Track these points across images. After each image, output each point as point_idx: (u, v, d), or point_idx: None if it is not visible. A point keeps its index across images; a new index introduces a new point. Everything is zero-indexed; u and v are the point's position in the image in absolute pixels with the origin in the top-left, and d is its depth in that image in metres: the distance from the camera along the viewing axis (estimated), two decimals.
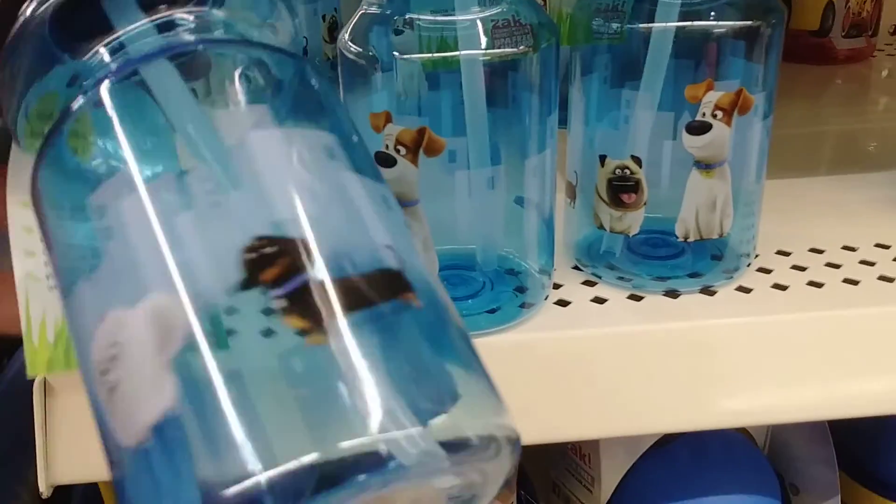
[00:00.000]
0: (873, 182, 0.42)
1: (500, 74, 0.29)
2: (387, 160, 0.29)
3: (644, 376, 0.32)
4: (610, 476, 0.40)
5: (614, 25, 0.31)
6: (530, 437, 0.32)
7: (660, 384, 0.32)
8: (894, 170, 0.41)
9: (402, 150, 0.29)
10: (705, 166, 0.32)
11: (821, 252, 0.36)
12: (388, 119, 0.29)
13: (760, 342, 0.32)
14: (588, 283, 0.35)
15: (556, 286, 0.35)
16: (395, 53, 0.29)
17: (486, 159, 0.30)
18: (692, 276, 0.34)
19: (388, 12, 0.29)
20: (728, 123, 0.31)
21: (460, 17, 0.28)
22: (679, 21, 0.30)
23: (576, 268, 0.36)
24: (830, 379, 0.33)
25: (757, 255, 0.36)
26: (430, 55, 0.29)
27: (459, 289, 0.33)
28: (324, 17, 0.58)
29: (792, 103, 0.54)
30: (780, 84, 0.58)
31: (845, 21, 0.58)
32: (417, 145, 0.29)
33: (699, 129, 0.31)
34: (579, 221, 0.35)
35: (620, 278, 0.34)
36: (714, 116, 0.31)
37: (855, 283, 0.34)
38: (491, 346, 0.31)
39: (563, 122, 0.34)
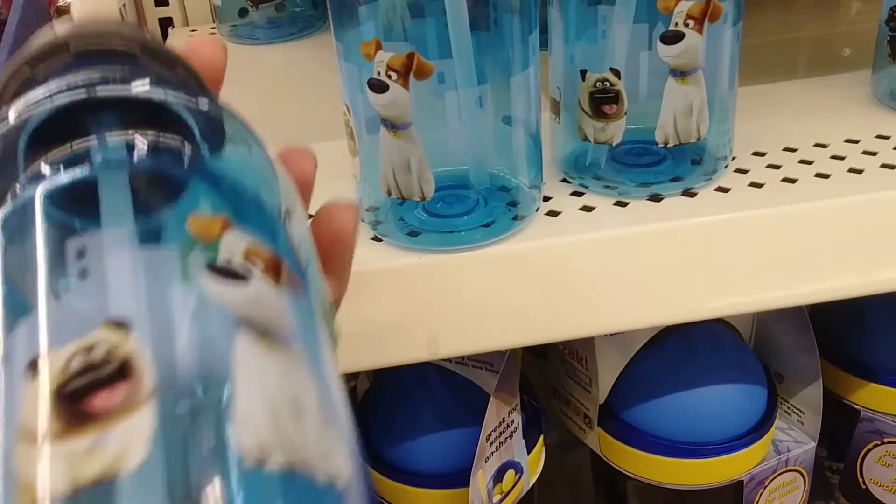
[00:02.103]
0: (844, 82, 0.44)
1: None
2: (379, 86, 0.31)
3: (632, 276, 0.34)
4: (606, 376, 0.43)
5: None
6: (530, 338, 0.35)
7: (647, 282, 0.35)
8: (864, 70, 0.43)
9: (393, 76, 0.31)
10: (680, 73, 0.33)
11: (794, 150, 0.38)
12: (378, 46, 0.30)
13: (739, 237, 0.34)
14: (576, 193, 0.37)
15: (546, 198, 0.37)
16: None
17: (473, 80, 0.32)
18: (674, 180, 0.36)
19: None
20: (700, 31, 0.33)
21: None
22: None
23: (564, 180, 0.38)
24: (807, 267, 0.35)
25: (734, 158, 0.38)
26: None
27: (455, 206, 0.35)
28: None
29: (764, 11, 0.55)
30: None
31: None
32: (407, 69, 0.31)
33: (673, 38, 0.32)
34: (565, 136, 0.37)
35: (606, 187, 0.36)
36: (686, 25, 0.32)
37: (826, 176, 0.36)
38: (487, 257, 0.34)
39: (545, 44, 0.35)
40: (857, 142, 0.38)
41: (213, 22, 0.62)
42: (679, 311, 0.35)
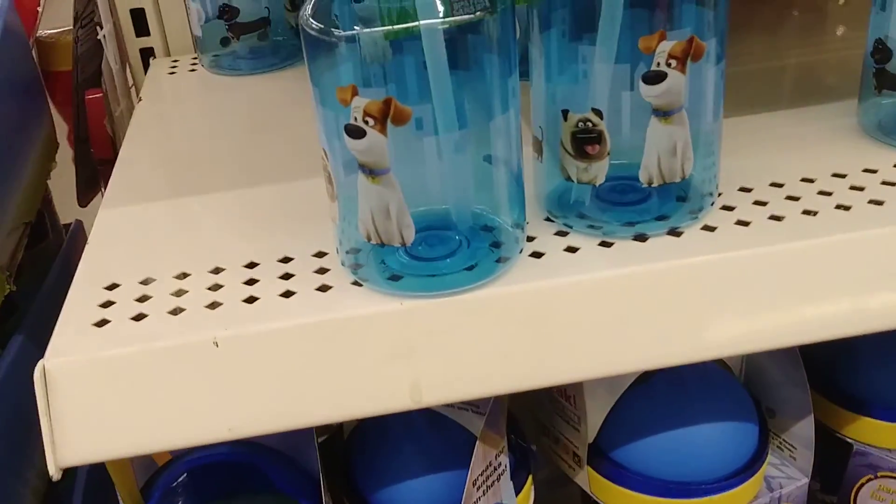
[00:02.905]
0: (830, 112, 0.43)
1: (459, 39, 0.30)
2: (356, 132, 0.30)
3: (619, 319, 0.34)
4: (595, 415, 0.42)
5: None
6: (515, 384, 0.34)
7: (634, 325, 0.34)
8: (850, 99, 0.43)
9: (371, 122, 0.30)
10: (663, 114, 0.33)
11: (781, 186, 0.38)
12: (355, 92, 0.30)
13: (726, 277, 0.34)
14: (560, 233, 0.36)
15: (530, 238, 0.36)
16: (357, 28, 0.30)
17: (454, 124, 0.31)
18: (659, 218, 0.35)
19: (345, 8, 0.30)
20: (682, 71, 0.32)
21: None
22: None
23: (548, 219, 0.37)
24: (795, 306, 0.34)
25: (720, 194, 0.37)
26: (390, 27, 0.30)
27: (437, 248, 0.34)
28: None
29: (750, 37, 0.55)
30: (738, 17, 0.59)
31: None
32: (385, 115, 0.30)
33: (655, 78, 0.32)
34: (548, 174, 0.36)
35: (591, 226, 0.36)
36: (668, 65, 0.32)
37: (813, 213, 0.36)
38: (471, 302, 0.33)
39: (526, 74, 0.35)
40: (843, 176, 0.38)
41: (195, 52, 0.61)
42: (667, 354, 0.34)
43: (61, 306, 0.35)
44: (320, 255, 0.37)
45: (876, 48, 0.38)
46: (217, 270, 0.37)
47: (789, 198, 0.37)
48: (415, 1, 0.29)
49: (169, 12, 0.63)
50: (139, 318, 0.34)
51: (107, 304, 0.35)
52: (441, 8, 0.29)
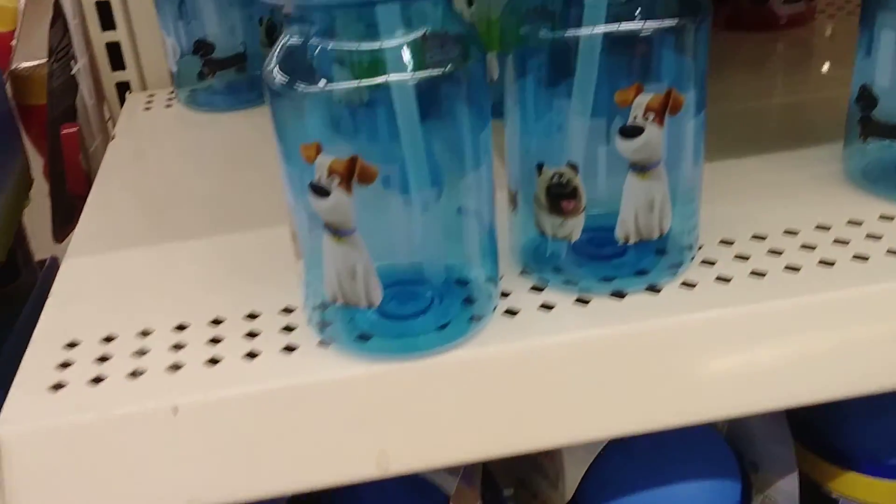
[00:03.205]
0: (815, 157, 0.42)
1: (429, 95, 0.29)
2: (320, 191, 0.29)
3: (597, 381, 0.32)
4: (573, 471, 0.40)
5: (543, 30, 0.31)
6: (490, 452, 0.33)
7: (612, 388, 0.33)
8: (836, 142, 0.42)
9: (335, 180, 0.29)
10: (640, 168, 0.32)
11: (763, 238, 0.37)
12: (319, 150, 0.29)
13: (707, 338, 0.33)
14: (536, 288, 0.35)
15: (505, 294, 0.35)
16: (322, 84, 0.29)
17: (426, 182, 0.30)
18: (638, 273, 0.34)
19: (311, 42, 0.29)
20: (660, 124, 0.31)
21: (387, 44, 0.28)
22: (606, 23, 0.30)
23: (523, 272, 0.36)
24: (777, 369, 0.33)
25: (701, 246, 0.36)
26: (356, 83, 0.28)
27: (408, 305, 0.33)
28: (261, 21, 0.57)
29: (735, 75, 0.54)
30: (722, 54, 0.59)
31: None
32: (350, 174, 0.29)
33: (631, 132, 0.31)
34: (523, 227, 0.35)
35: (567, 282, 0.34)
36: (646, 119, 0.31)
37: (796, 269, 0.34)
38: (443, 365, 0.32)
39: (501, 114, 0.33)
40: (828, 228, 0.37)
41: (171, 85, 0.60)
42: (647, 419, 0.33)
43: None
44: (287, 310, 0.35)
45: (861, 94, 0.38)
46: (181, 327, 0.35)
47: (772, 252, 0.36)
48: (385, 57, 0.28)
49: (145, 46, 0.62)
50: (97, 381, 0.33)
51: (65, 365, 0.34)
52: (411, 63, 0.28)
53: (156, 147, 0.55)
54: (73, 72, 0.61)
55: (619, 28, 0.30)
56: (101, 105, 0.64)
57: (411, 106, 0.28)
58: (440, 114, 0.29)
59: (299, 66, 0.29)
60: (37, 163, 0.78)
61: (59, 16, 0.62)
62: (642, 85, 0.30)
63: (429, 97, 0.29)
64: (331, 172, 0.29)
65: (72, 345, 0.35)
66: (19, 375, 0.34)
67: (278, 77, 0.29)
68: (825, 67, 0.56)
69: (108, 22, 0.61)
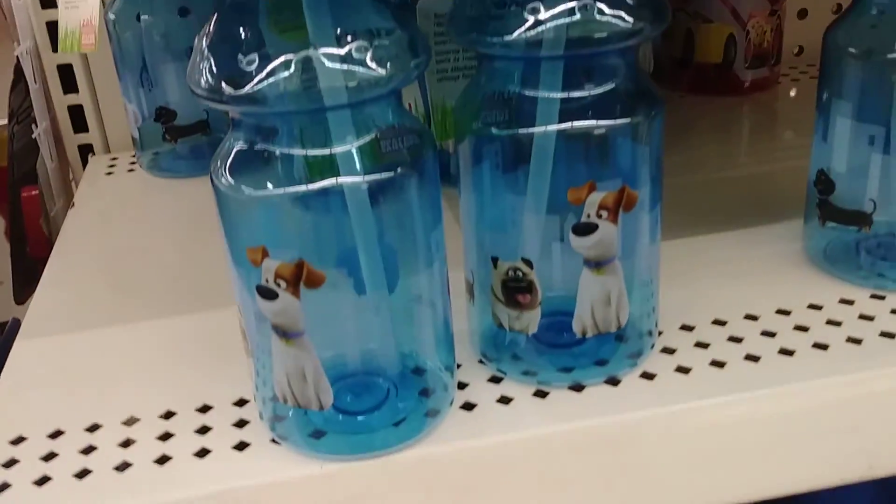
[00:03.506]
0: (775, 234, 0.42)
1: (381, 196, 0.28)
2: (268, 293, 0.29)
3: (557, 478, 0.32)
4: None
5: (496, 128, 0.31)
6: None
7: (573, 484, 0.32)
8: (796, 218, 0.42)
9: (283, 284, 0.28)
10: (595, 264, 0.31)
11: (723, 324, 0.36)
12: (265, 254, 0.28)
13: (667, 432, 0.32)
14: (494, 379, 0.34)
15: (462, 385, 0.34)
16: (268, 187, 0.28)
17: (380, 281, 0.29)
18: (597, 363, 0.34)
19: (258, 146, 0.28)
20: (614, 221, 0.31)
21: (337, 150, 0.27)
22: (560, 122, 0.30)
23: (481, 361, 0.35)
24: (738, 462, 0.33)
25: (661, 332, 0.36)
26: (304, 187, 0.28)
27: (364, 398, 0.32)
28: None
29: (697, 142, 0.54)
30: (686, 119, 0.59)
31: (748, 52, 0.59)
32: (297, 279, 0.28)
33: (585, 230, 0.31)
34: (479, 316, 0.35)
35: (525, 373, 0.34)
36: (599, 216, 0.30)
37: (756, 359, 0.34)
38: (397, 464, 0.31)
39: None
40: (788, 313, 0.37)
41: (133, 149, 0.60)
42: None
43: None
44: (241, 402, 0.35)
45: (819, 179, 0.38)
46: (131, 421, 0.34)
47: (732, 339, 0.35)
48: (336, 162, 0.27)
49: (108, 108, 0.61)
50: (42, 482, 0.32)
51: (10, 464, 0.33)
52: (361, 167, 0.28)
53: (116, 216, 0.54)
54: (33, 135, 0.60)
55: (573, 126, 0.30)
56: (63, 167, 0.64)
57: (364, 208, 0.28)
58: (392, 214, 0.29)
59: (246, 169, 0.28)
60: None
61: (20, 79, 0.61)
62: (595, 183, 0.30)
63: (380, 198, 0.28)
64: (277, 277, 0.28)
65: (18, 440, 0.34)
66: None
67: (224, 179, 0.29)
68: (788, 135, 0.56)
69: (70, 84, 0.61)
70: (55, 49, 0.58)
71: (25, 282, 0.67)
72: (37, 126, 0.60)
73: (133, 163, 0.60)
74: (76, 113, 0.61)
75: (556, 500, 0.32)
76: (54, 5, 0.57)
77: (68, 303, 0.44)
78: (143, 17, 0.53)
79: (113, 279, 0.46)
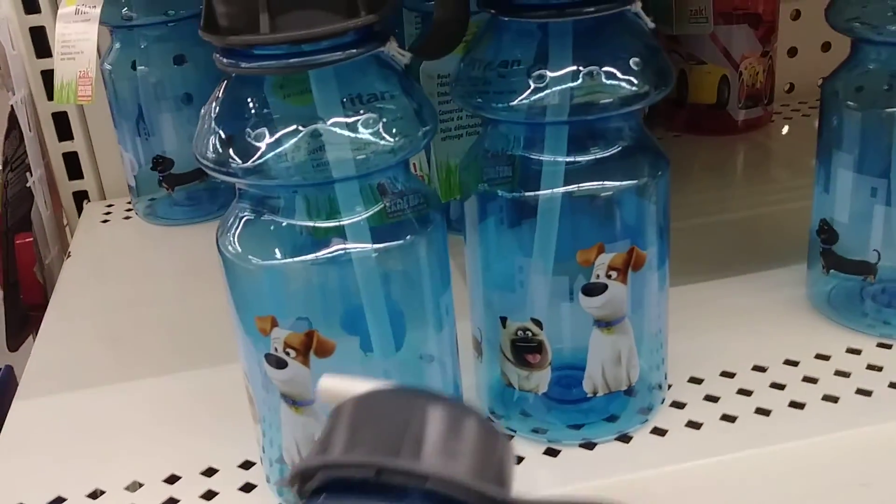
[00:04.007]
0: (777, 281, 0.42)
1: (389, 262, 0.28)
2: (278, 363, 0.28)
3: None
4: None
5: (501, 191, 0.31)
6: None
7: None
8: (797, 263, 0.42)
9: (292, 353, 0.28)
10: (606, 324, 0.31)
11: (732, 376, 0.36)
12: (274, 323, 0.28)
13: (679, 489, 0.32)
14: None
15: None
16: (277, 256, 0.28)
17: (390, 346, 0.29)
18: (608, 419, 0.34)
19: (265, 217, 0.28)
20: (623, 282, 0.31)
21: (346, 221, 0.27)
22: (565, 184, 0.30)
23: (490, 418, 0.35)
24: None
25: (670, 386, 0.36)
26: (313, 256, 0.28)
27: None
28: None
29: (695, 184, 0.55)
30: (682, 158, 0.59)
31: (741, 93, 0.59)
32: (307, 348, 0.28)
33: (594, 290, 0.30)
34: (488, 372, 0.35)
35: (535, 430, 0.34)
36: (609, 277, 0.30)
37: (767, 413, 0.34)
38: None
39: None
40: (796, 364, 0.36)
41: (129, 196, 0.59)
42: None
43: None
44: (247, 465, 0.34)
45: (822, 228, 0.38)
46: (135, 486, 0.34)
47: (741, 392, 0.35)
48: (345, 233, 0.27)
49: (103, 155, 0.61)
50: None
51: None
52: (370, 232, 0.27)
53: (113, 265, 0.54)
54: (28, 184, 0.60)
55: (579, 188, 0.30)
56: (58, 214, 0.63)
57: (373, 275, 0.28)
58: (401, 279, 0.29)
59: (254, 238, 0.28)
60: None
61: (14, 126, 0.61)
62: (604, 245, 0.30)
63: (389, 263, 0.28)
64: (287, 346, 0.28)
65: None
66: None
67: (231, 248, 0.28)
68: (784, 176, 0.56)
69: (65, 132, 0.60)
70: (50, 97, 0.58)
71: (18, 330, 0.67)
72: (31, 174, 0.59)
73: (129, 209, 0.59)
74: (70, 160, 0.61)
75: None
76: (49, 54, 0.57)
77: (66, 359, 0.43)
78: (139, 67, 0.52)
79: (111, 333, 0.46)
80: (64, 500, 0.33)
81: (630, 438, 0.33)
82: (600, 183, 0.30)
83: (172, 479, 0.34)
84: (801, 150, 0.59)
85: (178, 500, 0.33)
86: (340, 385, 0.18)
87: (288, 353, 0.28)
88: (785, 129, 0.62)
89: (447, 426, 0.16)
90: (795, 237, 0.43)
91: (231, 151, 0.26)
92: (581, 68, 0.28)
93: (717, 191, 0.54)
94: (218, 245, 0.29)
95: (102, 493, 0.34)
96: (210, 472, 0.34)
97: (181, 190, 0.56)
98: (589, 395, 0.32)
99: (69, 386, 0.41)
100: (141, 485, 0.34)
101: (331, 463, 0.16)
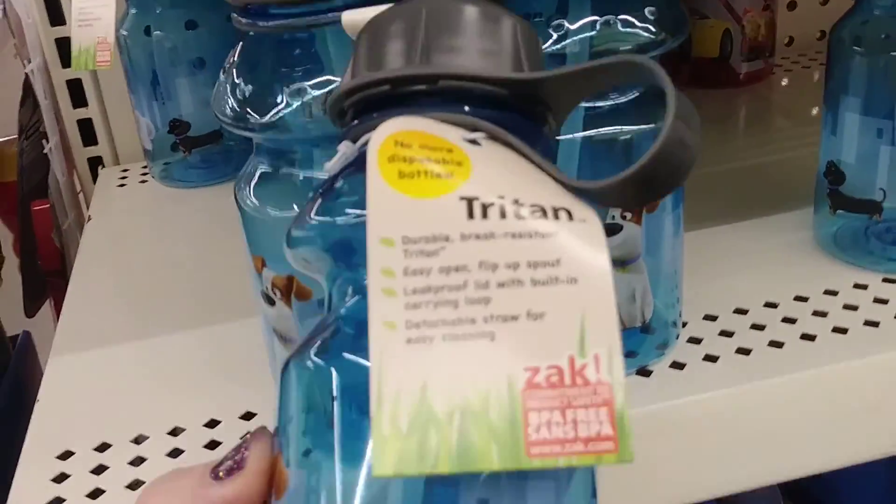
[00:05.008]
0: (785, 224, 0.44)
1: None
2: (268, 299, 0.30)
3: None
4: None
5: None
6: None
7: (610, 472, 0.33)
8: (804, 207, 0.43)
9: (277, 293, 0.30)
10: (621, 263, 0.32)
11: (745, 312, 0.38)
12: (263, 263, 0.30)
13: (699, 418, 0.34)
14: None
15: None
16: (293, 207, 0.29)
17: None
18: (627, 355, 0.35)
19: (282, 171, 0.29)
20: (638, 222, 0.32)
21: None
22: (584, 129, 0.31)
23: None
24: (768, 445, 0.34)
25: (685, 323, 0.37)
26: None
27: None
28: None
29: (704, 136, 0.56)
30: None
31: (743, 46, 0.60)
32: (288, 291, 0.30)
33: (610, 231, 0.32)
34: None
35: None
36: (624, 218, 0.32)
37: (780, 345, 0.35)
38: None
39: None
40: (806, 300, 0.38)
41: (144, 159, 0.60)
42: (645, 501, 0.34)
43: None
44: None
45: (829, 170, 0.39)
46: (177, 431, 0.35)
47: (755, 327, 0.37)
48: None
49: (117, 121, 0.62)
50: (95, 494, 0.33)
51: (60, 479, 0.33)
52: None
53: (133, 228, 0.55)
54: (44, 150, 0.61)
55: (598, 133, 0.31)
56: (72, 181, 0.64)
57: None
58: None
59: (269, 190, 0.30)
60: (6, 236, 0.77)
61: (28, 94, 0.62)
62: None
63: None
64: (273, 285, 0.30)
65: (66, 455, 0.35)
66: (15, 489, 0.33)
67: (249, 201, 0.30)
68: (787, 125, 0.57)
69: (79, 99, 0.61)
70: (64, 65, 0.59)
71: (35, 296, 0.68)
72: (47, 141, 0.60)
73: (144, 174, 0.60)
74: (85, 126, 0.62)
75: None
76: (62, 22, 0.58)
77: (96, 319, 0.45)
78: (154, 33, 0.53)
79: (137, 293, 0.47)
80: (109, 445, 0.35)
81: (650, 372, 0.35)
82: (618, 127, 0.31)
83: (213, 424, 0.35)
84: (802, 101, 0.60)
85: (221, 443, 0.34)
86: (361, 14, 0.18)
87: (275, 293, 0.30)
88: (786, 81, 0.64)
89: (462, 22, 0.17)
90: (800, 183, 0.45)
91: (249, 109, 0.28)
92: (600, 17, 0.29)
93: (723, 142, 0.55)
94: (235, 197, 0.30)
95: (146, 438, 0.35)
96: (248, 416, 0.36)
97: (197, 152, 0.57)
98: None
99: (101, 342, 0.42)
100: (183, 430, 0.35)
101: (358, 84, 0.17)
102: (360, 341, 0.15)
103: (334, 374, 0.16)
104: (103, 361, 0.41)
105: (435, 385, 0.14)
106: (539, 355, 0.15)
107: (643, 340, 0.35)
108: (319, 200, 0.18)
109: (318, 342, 0.17)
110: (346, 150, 0.18)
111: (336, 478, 0.16)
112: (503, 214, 0.15)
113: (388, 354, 0.14)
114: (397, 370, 0.14)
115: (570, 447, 0.14)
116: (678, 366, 0.35)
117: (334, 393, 0.16)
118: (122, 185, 0.60)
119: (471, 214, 0.15)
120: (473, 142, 0.16)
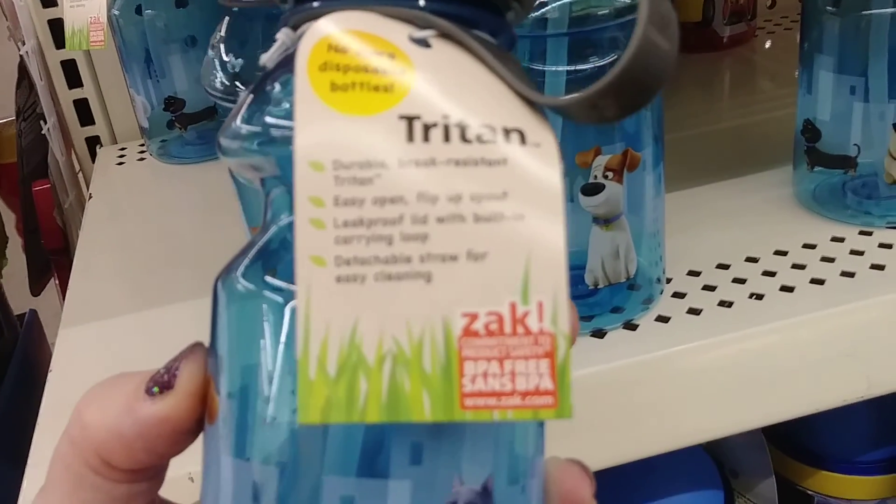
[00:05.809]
0: (766, 182, 0.45)
1: None
2: None
3: (589, 417, 0.35)
4: None
5: None
6: None
7: (600, 422, 0.35)
8: (783, 165, 0.44)
9: None
10: (604, 221, 0.34)
11: (727, 267, 0.39)
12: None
13: (684, 370, 0.35)
14: None
15: None
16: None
17: None
18: (613, 311, 0.37)
19: None
20: (619, 181, 0.33)
21: None
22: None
23: None
24: (751, 392, 0.36)
25: (669, 279, 0.39)
26: None
27: None
28: None
29: (683, 99, 0.57)
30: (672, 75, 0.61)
31: (725, 10, 0.61)
32: None
33: (592, 190, 0.33)
34: None
35: None
36: (605, 177, 0.33)
37: (760, 297, 0.37)
38: None
39: None
40: (785, 253, 0.40)
41: (141, 137, 0.61)
42: (635, 449, 0.35)
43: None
44: None
45: (805, 128, 0.40)
46: None
47: (736, 280, 0.38)
48: None
49: (112, 100, 0.63)
50: None
51: None
52: None
53: (133, 205, 0.56)
54: (42, 131, 0.62)
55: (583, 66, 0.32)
56: (71, 160, 0.65)
57: None
58: None
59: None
60: (9, 217, 0.78)
61: (24, 76, 0.63)
62: (600, 147, 0.33)
63: None
64: None
65: None
66: (34, 453, 0.35)
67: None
68: (769, 87, 0.59)
69: (74, 79, 0.62)
70: (58, 46, 0.60)
71: (40, 274, 0.69)
72: (45, 122, 0.61)
73: (142, 151, 0.62)
74: (81, 106, 0.63)
75: (585, 436, 0.35)
76: (55, 3, 0.58)
77: (101, 292, 0.46)
78: (145, 11, 0.54)
79: (141, 266, 0.48)
80: None
81: (636, 326, 0.36)
82: (605, 59, 0.32)
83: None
84: (783, 63, 0.61)
85: None
86: None
87: None
88: (768, 44, 0.65)
89: None
90: (780, 142, 0.46)
91: (237, 82, 0.29)
92: None
93: (706, 104, 0.57)
94: (231, 172, 0.32)
95: None
96: None
97: (193, 129, 0.59)
98: (591, 288, 0.35)
99: (108, 314, 0.43)
100: None
101: None
102: (292, 265, 0.14)
103: (264, 304, 0.15)
104: (110, 331, 0.42)
105: (366, 328, 0.13)
106: (478, 300, 0.14)
107: (629, 296, 0.37)
108: (248, 104, 0.16)
109: (247, 261, 0.16)
110: (284, 38, 0.16)
111: (266, 412, 0.15)
112: (447, 137, 0.14)
113: (316, 293, 0.13)
114: (326, 310, 0.13)
115: (506, 400, 0.14)
116: (663, 319, 0.37)
117: (263, 323, 0.15)
118: (120, 164, 0.61)
119: (410, 137, 0.14)
120: (422, 42, 0.15)
